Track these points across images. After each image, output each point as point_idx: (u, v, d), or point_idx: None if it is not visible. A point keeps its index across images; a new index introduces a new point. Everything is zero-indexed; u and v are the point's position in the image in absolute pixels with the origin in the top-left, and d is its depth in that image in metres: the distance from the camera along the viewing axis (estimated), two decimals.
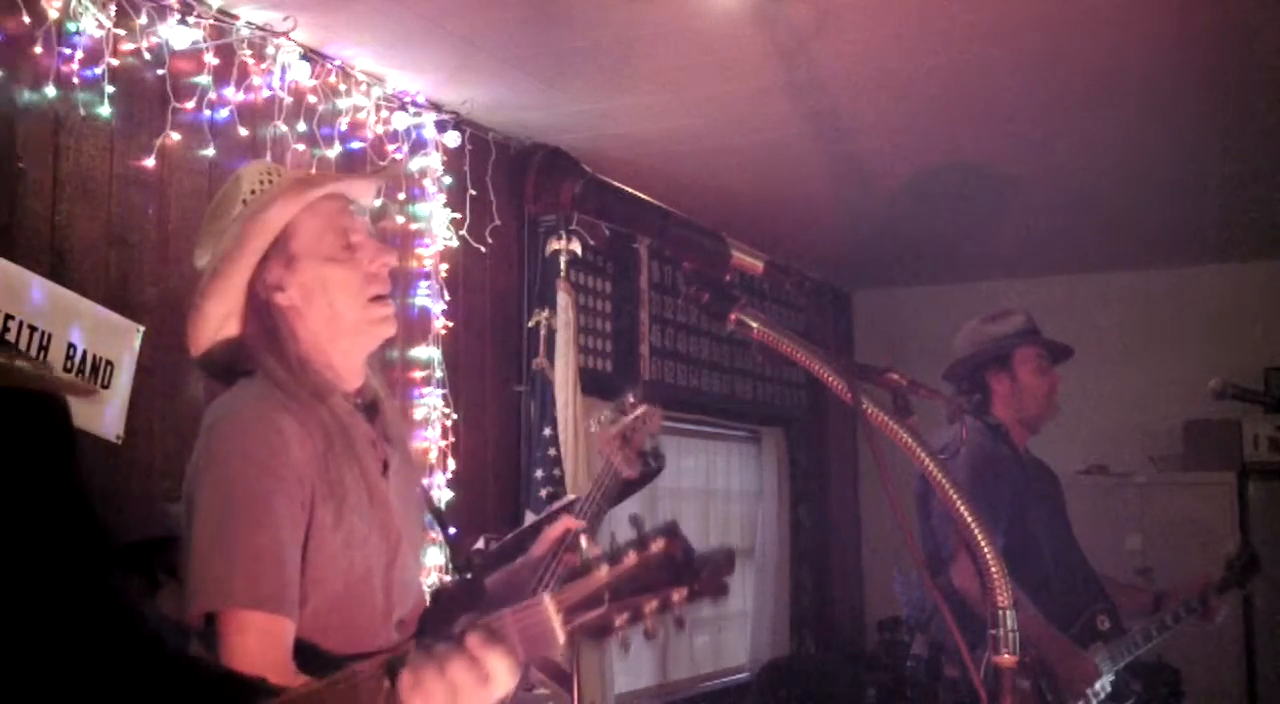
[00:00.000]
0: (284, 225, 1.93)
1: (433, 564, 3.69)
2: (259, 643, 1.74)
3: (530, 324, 4.70)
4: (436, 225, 4.28)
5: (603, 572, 1.24)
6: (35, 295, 2.91)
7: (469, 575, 2.05)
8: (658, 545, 1.23)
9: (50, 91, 3.06)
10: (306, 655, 1.79)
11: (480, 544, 3.09)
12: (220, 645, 1.75)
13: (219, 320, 1.94)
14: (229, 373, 1.97)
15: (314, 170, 3.71)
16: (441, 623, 1.70)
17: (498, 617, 1.28)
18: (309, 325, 1.95)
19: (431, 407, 4.20)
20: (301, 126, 3.72)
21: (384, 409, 2.07)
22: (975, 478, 3.40)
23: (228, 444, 1.84)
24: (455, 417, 4.31)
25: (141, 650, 1.34)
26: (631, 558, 1.23)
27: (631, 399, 2.84)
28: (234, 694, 1.41)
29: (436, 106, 4.31)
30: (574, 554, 2.30)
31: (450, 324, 4.36)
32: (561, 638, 1.25)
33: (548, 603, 1.26)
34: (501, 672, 1.27)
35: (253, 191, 1.98)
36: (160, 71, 3.32)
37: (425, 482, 3.95)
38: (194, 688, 1.42)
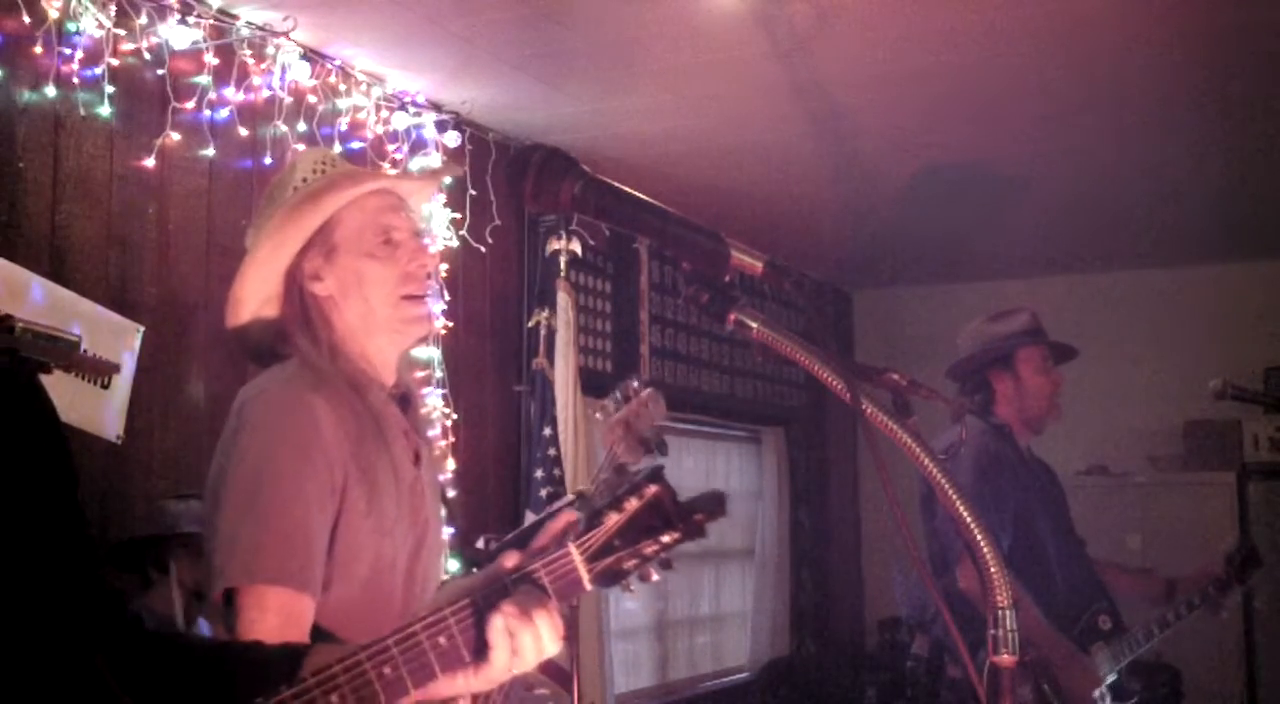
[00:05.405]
0: (328, 217, 1.94)
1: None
2: (279, 619, 1.73)
3: (530, 324, 4.70)
4: (436, 225, 4.28)
5: (611, 519, 1.27)
6: (35, 295, 2.91)
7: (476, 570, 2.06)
8: (651, 491, 1.27)
9: (50, 91, 3.06)
10: (322, 642, 1.77)
11: (480, 544, 3.08)
12: (237, 621, 1.73)
13: (256, 301, 1.95)
14: (264, 354, 1.98)
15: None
16: None
17: (532, 569, 1.32)
18: (344, 317, 1.96)
19: (431, 407, 4.19)
20: (301, 126, 3.72)
21: (416, 403, 2.09)
22: (980, 478, 3.40)
23: (260, 423, 1.83)
24: (455, 417, 4.31)
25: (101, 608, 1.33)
26: (632, 504, 1.29)
27: (635, 384, 2.79)
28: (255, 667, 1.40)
29: (436, 106, 4.31)
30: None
31: (450, 324, 4.36)
32: (589, 585, 1.31)
33: (574, 552, 1.31)
34: (551, 627, 1.34)
35: (304, 179, 1.98)
36: (160, 71, 3.32)
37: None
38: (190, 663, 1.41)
